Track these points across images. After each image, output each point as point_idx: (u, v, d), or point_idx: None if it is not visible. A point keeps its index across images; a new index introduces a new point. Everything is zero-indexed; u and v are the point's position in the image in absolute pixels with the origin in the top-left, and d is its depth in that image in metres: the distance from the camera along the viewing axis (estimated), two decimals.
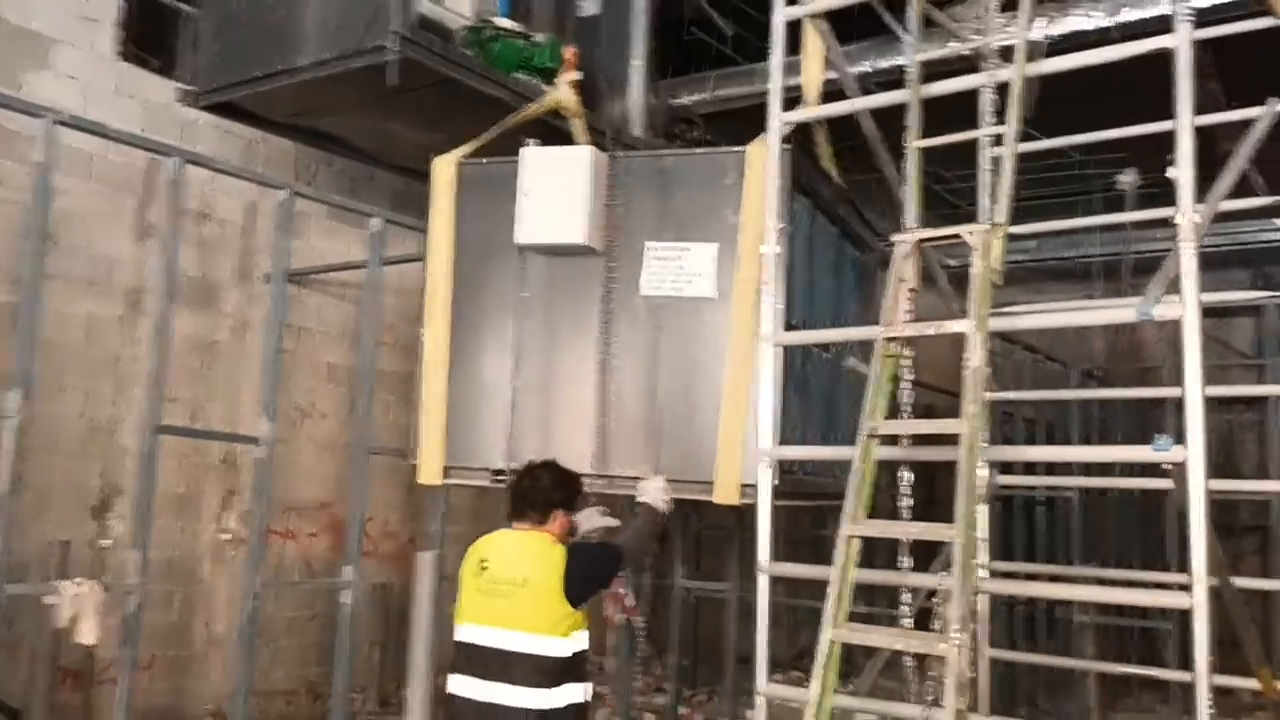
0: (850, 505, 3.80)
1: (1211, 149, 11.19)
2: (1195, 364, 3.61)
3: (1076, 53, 4.03)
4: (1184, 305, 3.60)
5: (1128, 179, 9.32)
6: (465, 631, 3.71)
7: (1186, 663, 9.06)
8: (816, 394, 5.48)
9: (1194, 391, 3.59)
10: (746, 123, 8.48)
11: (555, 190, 4.98)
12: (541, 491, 3.84)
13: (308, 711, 8.14)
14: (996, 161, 4.08)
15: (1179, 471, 3.67)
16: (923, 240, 3.94)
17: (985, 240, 3.74)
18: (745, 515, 4.66)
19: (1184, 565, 9.58)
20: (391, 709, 8.37)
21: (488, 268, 5.34)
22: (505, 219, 5.15)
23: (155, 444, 5.49)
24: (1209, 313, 12.21)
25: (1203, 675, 3.48)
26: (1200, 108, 7.64)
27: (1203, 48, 9.48)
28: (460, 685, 3.67)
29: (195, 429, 7.68)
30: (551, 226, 4.99)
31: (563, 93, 6.00)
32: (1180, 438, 3.55)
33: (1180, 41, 3.68)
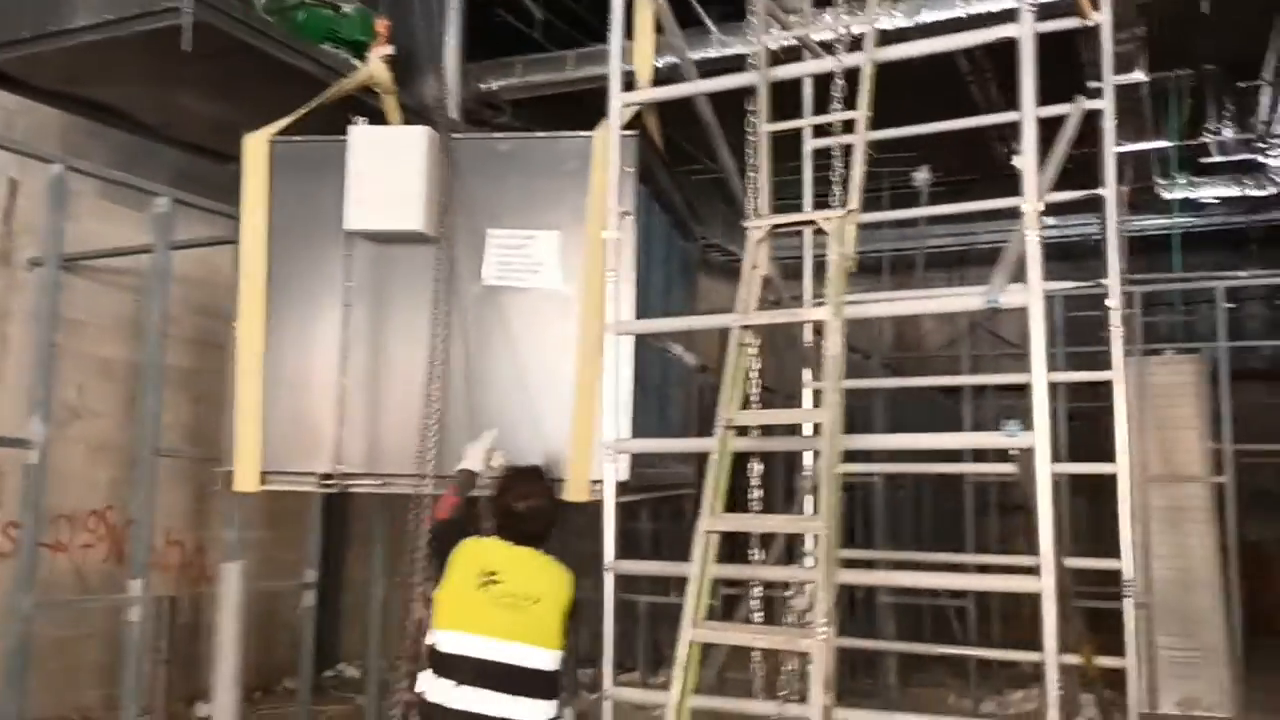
0: (708, 499, 3.67)
1: (986, 149, 11.79)
2: (1041, 351, 3.68)
3: (923, 39, 4.05)
4: (1030, 292, 3.64)
5: (922, 176, 9.68)
6: (464, 641, 3.52)
7: (982, 640, 9.52)
8: (650, 387, 5.35)
9: (1040, 377, 3.65)
10: (555, 110, 8.30)
11: (388, 173, 4.63)
12: (547, 520, 3.84)
13: None
14: (846, 149, 4.05)
15: (1025, 456, 3.72)
16: (776, 226, 3.86)
17: (840, 226, 3.69)
18: (594, 516, 4.46)
19: (984, 541, 10.04)
20: None
21: (308, 255, 4.91)
22: (326, 202, 4.75)
23: None
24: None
25: (1051, 654, 3.55)
26: (972, 110, 7.97)
27: (984, 53, 9.98)
28: (455, 696, 3.48)
29: None
30: (385, 212, 4.63)
31: (375, 68, 5.63)
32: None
33: (1024, 32, 3.73)
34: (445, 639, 3.54)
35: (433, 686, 3.52)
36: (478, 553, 3.66)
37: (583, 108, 4.95)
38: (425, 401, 4.58)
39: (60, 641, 7.53)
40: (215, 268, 8.23)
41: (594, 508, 4.41)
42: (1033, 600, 3.60)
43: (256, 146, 4.99)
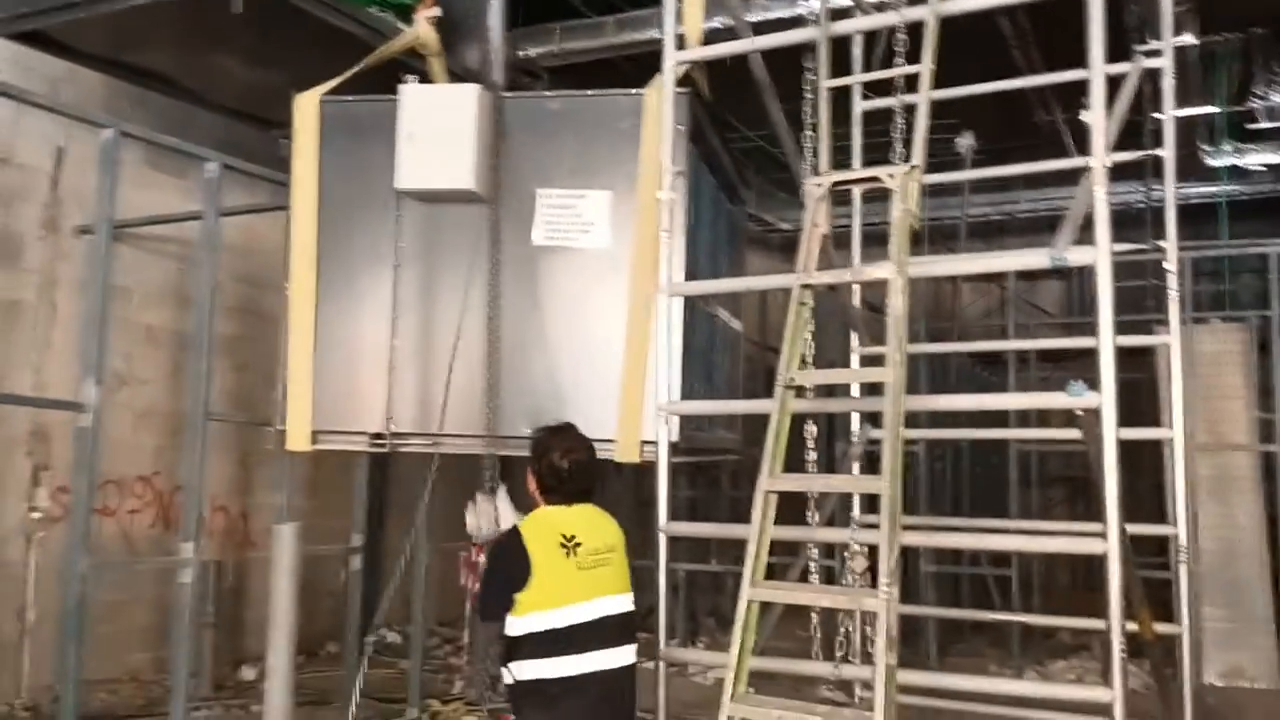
0: (768, 460, 3.64)
1: (1028, 115, 11.61)
2: (1108, 312, 3.63)
3: None
4: (1098, 250, 3.59)
5: (965, 142, 9.56)
6: (573, 613, 3.48)
7: (1023, 604, 9.45)
8: (697, 348, 5.32)
9: (1107, 340, 3.60)
10: (592, 78, 8.25)
11: (439, 132, 4.59)
12: (593, 473, 3.78)
13: (131, 701, 7.49)
14: (905, 108, 3.98)
15: (1089, 418, 3.67)
16: (839, 183, 3.81)
17: (904, 183, 3.64)
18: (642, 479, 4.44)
19: (1024, 511, 9.95)
20: (227, 692, 7.82)
21: (358, 216, 4.89)
22: (376, 163, 4.72)
23: None
24: (1022, 276, 12.64)
25: (1117, 616, 3.50)
26: (1017, 73, 7.83)
27: (1027, 16, 9.80)
28: (578, 664, 3.46)
29: (7, 395, 6.91)
30: (436, 171, 4.60)
31: (422, 29, 5.59)
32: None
33: None
34: (555, 617, 3.45)
35: (553, 665, 3.46)
36: (545, 526, 3.58)
37: (621, 75, 4.92)
38: (470, 360, 4.55)
39: (110, 605, 7.63)
40: (258, 235, 8.28)
41: (627, 477, 4.39)
42: (1072, 571, 3.56)
43: (307, 106, 4.97)
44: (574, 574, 3.49)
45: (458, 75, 5.99)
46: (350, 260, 4.90)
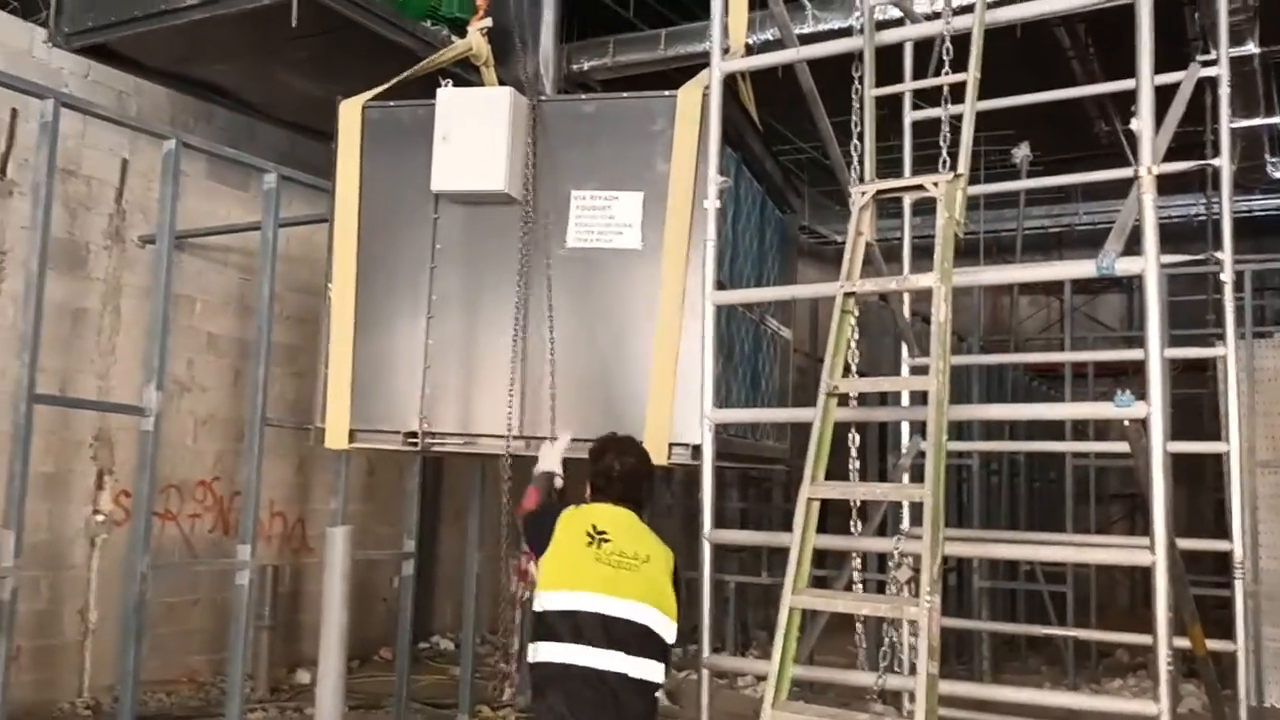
0: (810, 467, 3.64)
1: (1088, 127, 11.46)
2: (1156, 321, 3.58)
3: (1029, 2, 3.97)
4: (1146, 260, 3.54)
5: (1021, 152, 9.46)
6: (577, 599, 3.49)
7: (1079, 622, 9.29)
8: (740, 355, 5.33)
9: (1155, 350, 3.55)
10: (644, 91, 8.32)
11: (474, 135, 4.65)
12: (645, 483, 3.83)
13: (188, 702, 7.65)
14: (952, 117, 3.96)
15: (1135, 429, 3.63)
16: (881, 192, 3.80)
17: (949, 191, 3.62)
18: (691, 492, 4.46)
19: (1081, 527, 9.80)
20: (283, 695, 7.94)
21: (398, 218, 4.98)
22: (416, 166, 4.81)
23: (30, 415, 4.98)
24: (1079, 289, 12.48)
25: (1163, 633, 3.45)
26: (1075, 84, 7.73)
27: (1086, 27, 9.69)
28: (569, 653, 3.45)
29: (74, 398, 7.11)
30: (470, 173, 4.67)
31: (474, 39, 5.73)
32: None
33: None
34: (557, 599, 3.49)
35: (547, 649, 3.48)
36: (583, 515, 3.65)
37: (672, 88, 4.96)
38: (510, 363, 4.61)
39: (169, 607, 7.82)
40: (316, 246, 8.39)
41: (677, 490, 4.40)
42: (1131, 590, 3.51)
43: (351, 112, 5.08)
44: (589, 564, 3.51)
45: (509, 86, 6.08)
46: (390, 262, 4.98)
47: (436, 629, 10.47)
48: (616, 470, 3.75)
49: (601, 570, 3.51)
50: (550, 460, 4.20)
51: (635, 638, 3.48)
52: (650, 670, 3.49)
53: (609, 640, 3.46)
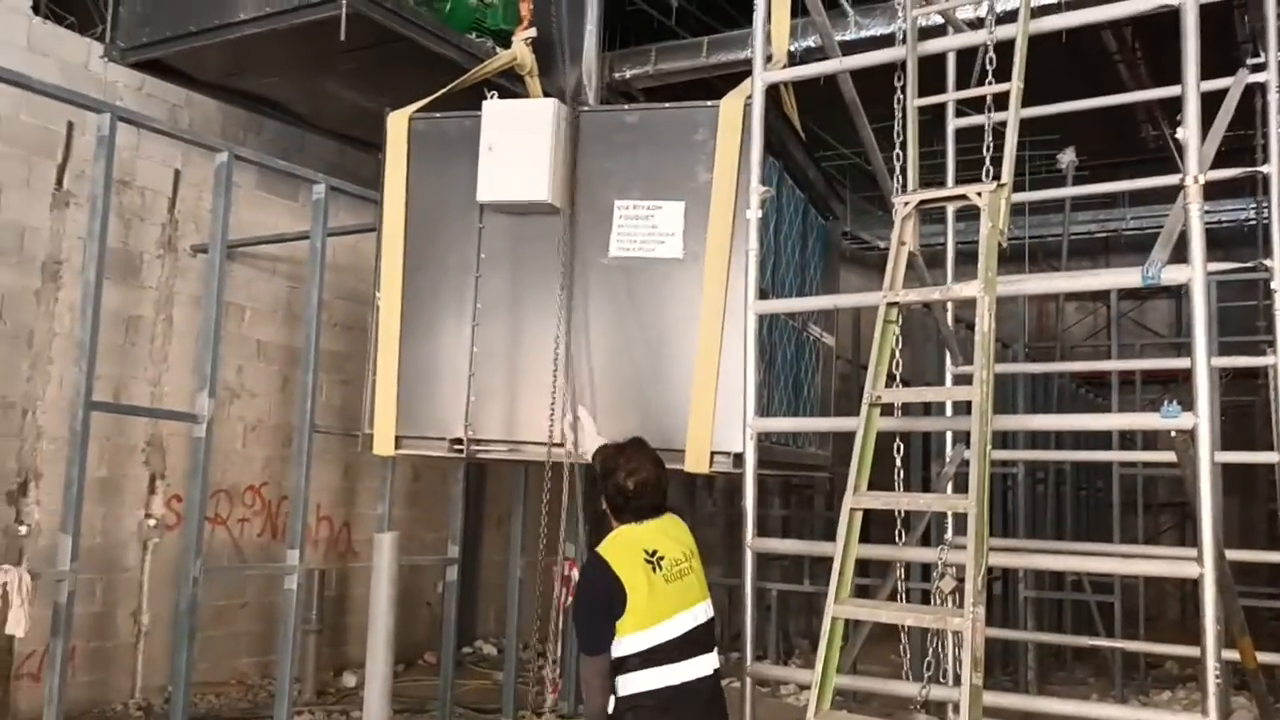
0: (853, 477, 3.65)
1: (1135, 131, 11.32)
2: (1202, 331, 3.55)
3: (1072, 11, 3.95)
4: (1192, 269, 3.52)
5: (1067, 158, 9.38)
6: (668, 628, 3.51)
7: (1127, 633, 9.18)
8: (782, 363, 5.34)
9: (1201, 359, 3.53)
10: (687, 99, 8.37)
11: (518, 145, 4.70)
12: (660, 490, 3.76)
13: (238, 704, 7.77)
14: (995, 126, 3.95)
15: (1183, 440, 3.60)
16: (924, 201, 3.81)
17: (993, 200, 3.62)
18: (732, 499, 4.46)
19: (1129, 536, 9.67)
20: (329, 698, 8.05)
21: (444, 228, 5.04)
22: (462, 177, 4.87)
23: (87, 421, 5.10)
24: (1126, 295, 12.28)
25: (1211, 645, 3.42)
26: (1119, 92, 7.70)
27: (1134, 32, 9.57)
28: (673, 674, 3.50)
29: (129, 405, 7.27)
30: (515, 183, 4.71)
31: (519, 49, 5.76)
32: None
33: (1187, 0, 3.60)
34: (653, 634, 3.48)
35: (641, 678, 3.49)
36: (626, 546, 3.58)
37: (716, 96, 4.98)
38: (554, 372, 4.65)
39: (219, 610, 7.95)
40: (361, 254, 8.54)
41: (718, 497, 4.41)
42: (1181, 600, 3.48)
43: (398, 123, 5.15)
44: (663, 588, 3.51)
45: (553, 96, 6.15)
46: (436, 270, 5.04)
47: (480, 634, 10.55)
48: (631, 488, 3.66)
49: (672, 590, 3.54)
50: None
51: (704, 635, 3.61)
52: (717, 660, 3.66)
53: (693, 649, 3.55)
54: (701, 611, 3.61)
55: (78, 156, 7.12)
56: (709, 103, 4.77)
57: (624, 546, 3.59)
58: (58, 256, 7.08)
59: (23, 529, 6.80)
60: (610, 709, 3.54)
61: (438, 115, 5.22)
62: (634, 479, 3.65)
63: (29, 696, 6.72)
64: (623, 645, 3.50)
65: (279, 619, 6.25)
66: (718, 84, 8.56)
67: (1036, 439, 9.03)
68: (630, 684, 3.51)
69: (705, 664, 3.60)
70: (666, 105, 5.06)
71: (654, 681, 3.50)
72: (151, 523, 7.63)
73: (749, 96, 4.58)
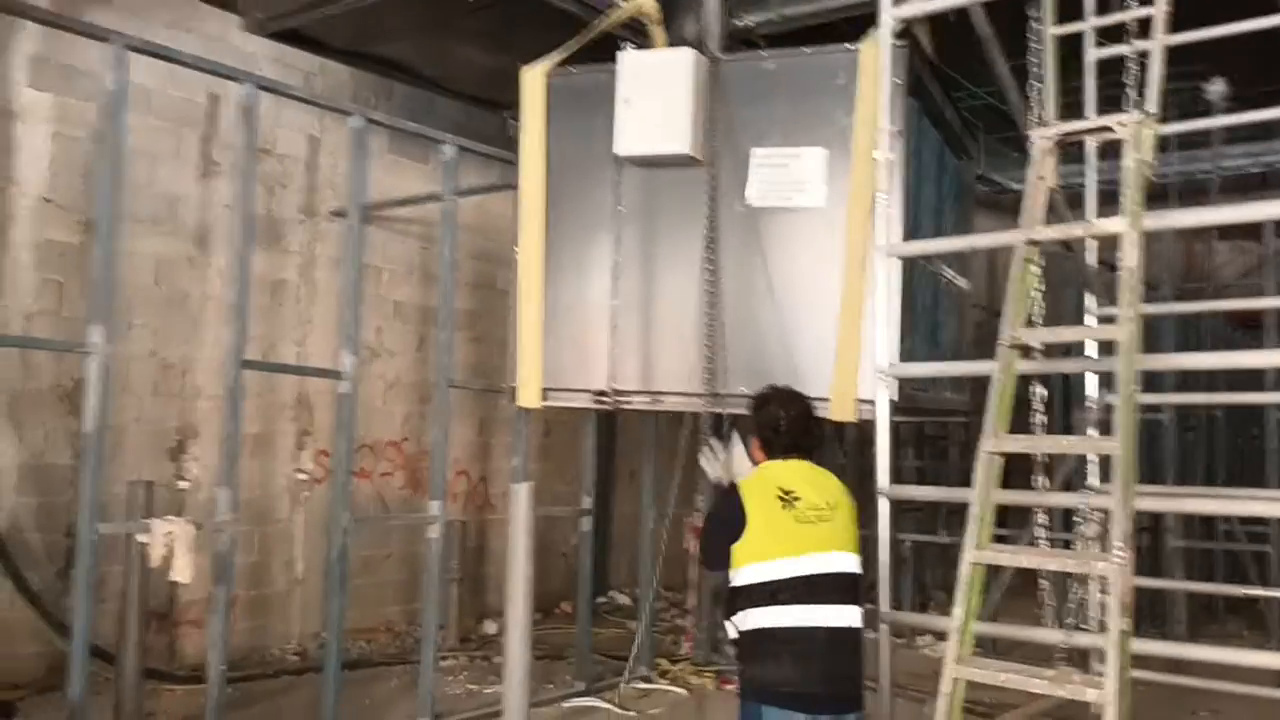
0: (991, 421, 3.58)
1: None
2: None
3: None
4: None
5: (1216, 88, 8.87)
6: (793, 564, 3.50)
7: None
8: (920, 308, 5.24)
9: None
10: (811, 45, 8.21)
11: (656, 97, 4.69)
12: (813, 430, 3.81)
13: (386, 649, 8.10)
14: (1138, 55, 3.78)
15: None
16: (1067, 134, 3.67)
17: (1138, 131, 3.47)
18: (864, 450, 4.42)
19: None
20: (471, 644, 8.32)
21: (580, 183, 5.09)
22: (597, 131, 4.89)
23: (240, 378, 5.34)
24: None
25: None
26: (1270, 11, 7.23)
27: None
28: (799, 616, 3.47)
29: (278, 364, 7.59)
30: (653, 136, 4.71)
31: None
32: None
33: None
34: (767, 569, 3.48)
35: (760, 615, 3.48)
36: (764, 483, 3.61)
37: (838, 40, 4.85)
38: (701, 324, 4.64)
39: (365, 560, 8.27)
40: (491, 214, 8.73)
41: (850, 449, 4.36)
42: None
43: (533, 79, 5.18)
44: (792, 526, 3.49)
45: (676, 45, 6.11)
46: (575, 225, 5.09)
47: (613, 584, 10.73)
48: (783, 419, 3.72)
49: (804, 530, 3.50)
50: (713, 467, 4.14)
51: (841, 589, 3.51)
52: (857, 616, 3.53)
53: (821, 596, 3.48)
54: (839, 560, 3.52)
55: (220, 128, 7.41)
56: (849, 45, 4.68)
57: (759, 479, 3.65)
58: (206, 224, 7.40)
59: (182, 484, 7.18)
60: (735, 638, 3.59)
61: (573, 70, 5.23)
62: (787, 412, 3.73)
63: (193, 642, 7.13)
64: (741, 574, 3.53)
65: (422, 568, 6.47)
66: (844, 27, 8.35)
67: (1187, 381, 8.66)
68: (754, 618, 3.51)
69: (838, 614, 3.50)
70: (805, 50, 4.97)
71: (778, 619, 3.48)
72: (301, 476, 7.97)
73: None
